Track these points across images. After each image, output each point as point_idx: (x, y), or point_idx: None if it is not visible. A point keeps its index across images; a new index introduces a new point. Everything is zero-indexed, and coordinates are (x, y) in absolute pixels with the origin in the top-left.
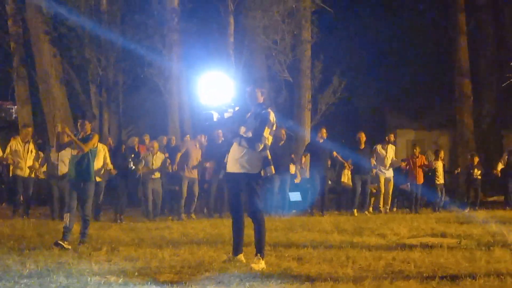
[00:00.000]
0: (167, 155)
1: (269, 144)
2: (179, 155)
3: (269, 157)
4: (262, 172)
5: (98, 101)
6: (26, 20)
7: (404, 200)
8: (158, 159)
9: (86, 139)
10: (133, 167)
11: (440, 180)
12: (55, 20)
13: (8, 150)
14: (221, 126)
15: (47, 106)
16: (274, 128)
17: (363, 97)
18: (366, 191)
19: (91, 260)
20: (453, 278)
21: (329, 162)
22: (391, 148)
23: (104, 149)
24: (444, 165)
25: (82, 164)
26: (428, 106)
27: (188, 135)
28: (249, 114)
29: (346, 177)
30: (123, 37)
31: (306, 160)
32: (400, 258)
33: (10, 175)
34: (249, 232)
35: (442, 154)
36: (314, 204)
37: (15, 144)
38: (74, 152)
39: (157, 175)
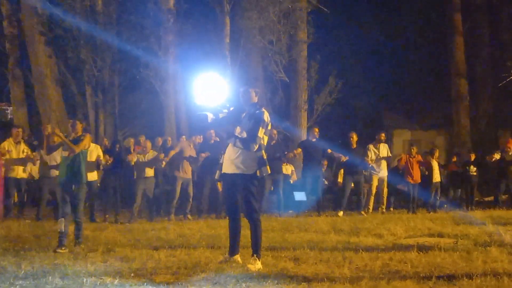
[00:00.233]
0: (162, 155)
1: (265, 144)
2: (172, 152)
3: (265, 157)
4: (257, 172)
5: (94, 102)
6: (21, 21)
7: (401, 200)
8: (150, 157)
9: (77, 140)
10: (126, 158)
11: (436, 179)
12: (50, 21)
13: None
14: (216, 126)
15: (42, 107)
16: (269, 127)
17: (360, 97)
18: (360, 191)
19: (87, 261)
20: (450, 278)
21: (326, 163)
22: (383, 147)
23: (97, 149)
24: (439, 164)
25: (73, 166)
26: (424, 106)
27: (184, 136)
28: (244, 114)
29: (342, 177)
30: (119, 38)
31: (297, 154)
32: (397, 258)
33: (2, 176)
34: (245, 232)
35: (437, 153)
36: (309, 204)
37: (7, 145)
38: (65, 154)
39: (150, 173)
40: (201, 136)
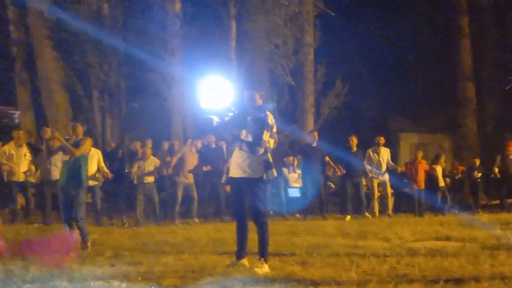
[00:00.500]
0: (169, 158)
1: (271, 147)
2: (174, 159)
3: (271, 160)
4: (264, 176)
5: (100, 106)
6: (28, 26)
7: (408, 204)
8: (151, 163)
9: (77, 144)
10: (127, 170)
11: (441, 183)
12: (57, 25)
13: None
14: (222, 130)
15: (49, 111)
16: (274, 130)
17: (366, 101)
18: (361, 194)
19: (95, 265)
20: (458, 281)
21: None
22: (384, 151)
23: (97, 154)
24: (443, 169)
25: (73, 169)
26: (431, 109)
27: (189, 139)
28: (249, 117)
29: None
30: (125, 42)
31: (297, 161)
32: (404, 262)
33: (5, 180)
34: (252, 236)
35: (442, 159)
36: (307, 207)
37: (9, 149)
38: (66, 158)
39: (150, 179)
40: (201, 141)
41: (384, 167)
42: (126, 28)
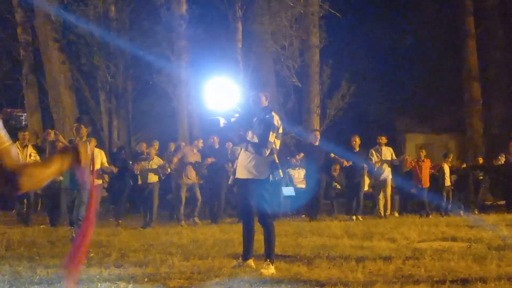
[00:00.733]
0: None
1: (277, 148)
2: (175, 159)
3: (277, 161)
4: (270, 177)
5: (107, 108)
6: (35, 28)
7: (414, 204)
8: (154, 164)
9: None
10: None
11: (447, 182)
12: (64, 27)
13: None
14: (228, 131)
15: (56, 113)
16: (280, 131)
17: (372, 101)
18: (359, 194)
19: (101, 266)
20: (464, 282)
21: (338, 167)
22: (387, 150)
23: (101, 154)
24: (450, 168)
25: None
26: (437, 110)
27: (195, 141)
28: (255, 118)
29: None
30: (132, 44)
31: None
32: (411, 262)
33: None
34: (258, 237)
35: (451, 157)
36: (308, 207)
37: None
38: None
39: (154, 179)
40: (202, 140)
41: (386, 167)
42: (132, 30)
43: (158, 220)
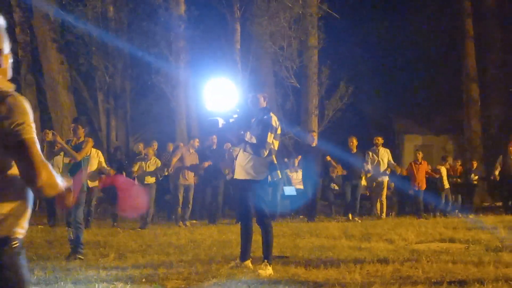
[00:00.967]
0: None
1: (275, 149)
2: (174, 160)
3: (275, 161)
4: (269, 178)
5: (105, 108)
6: (33, 28)
7: (412, 205)
8: (152, 164)
9: (78, 147)
10: (128, 167)
11: (446, 185)
12: (62, 27)
13: None
14: (227, 132)
15: (54, 113)
16: (278, 132)
17: (370, 102)
18: (356, 196)
19: (99, 267)
20: (462, 283)
21: (337, 170)
22: (384, 151)
23: (98, 155)
24: (448, 170)
25: (74, 172)
26: (435, 111)
27: (191, 140)
28: (254, 119)
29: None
30: (130, 45)
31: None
32: (408, 263)
33: None
34: (256, 238)
35: (449, 159)
36: (306, 208)
37: None
38: (66, 160)
39: (151, 180)
40: (198, 139)
41: (383, 168)
42: (131, 31)
43: (156, 220)
